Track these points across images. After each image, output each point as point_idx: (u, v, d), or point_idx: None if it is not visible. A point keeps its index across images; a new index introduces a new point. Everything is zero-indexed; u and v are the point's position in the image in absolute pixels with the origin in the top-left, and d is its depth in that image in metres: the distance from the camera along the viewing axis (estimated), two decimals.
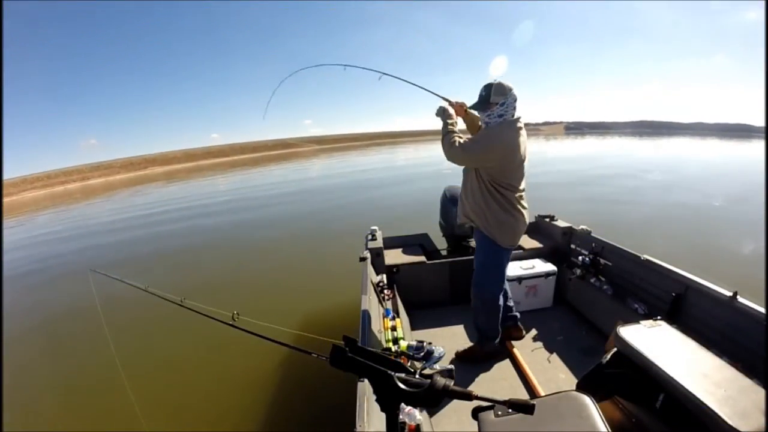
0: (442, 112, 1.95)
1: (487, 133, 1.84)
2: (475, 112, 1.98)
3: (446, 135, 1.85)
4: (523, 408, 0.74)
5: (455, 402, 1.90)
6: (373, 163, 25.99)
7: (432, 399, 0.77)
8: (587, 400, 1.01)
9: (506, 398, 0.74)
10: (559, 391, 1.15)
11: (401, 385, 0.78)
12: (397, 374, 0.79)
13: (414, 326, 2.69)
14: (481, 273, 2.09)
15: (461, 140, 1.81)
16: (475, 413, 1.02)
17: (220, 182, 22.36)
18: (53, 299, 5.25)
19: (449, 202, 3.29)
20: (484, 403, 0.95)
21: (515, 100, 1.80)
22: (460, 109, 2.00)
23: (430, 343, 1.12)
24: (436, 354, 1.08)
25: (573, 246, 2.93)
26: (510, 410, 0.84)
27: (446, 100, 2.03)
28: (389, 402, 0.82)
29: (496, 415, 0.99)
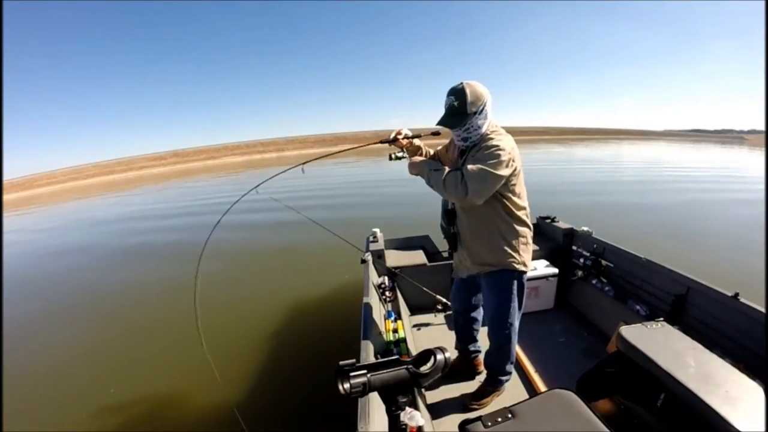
0: (416, 167, 1.60)
1: (490, 152, 1.42)
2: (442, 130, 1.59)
3: (441, 176, 1.46)
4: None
5: (457, 404, 1.92)
6: None
7: (444, 369, 0.87)
8: (572, 396, 1.00)
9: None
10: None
11: (418, 370, 0.84)
12: (408, 367, 0.85)
13: (416, 328, 2.70)
14: (508, 319, 1.71)
15: (453, 178, 1.43)
16: (462, 426, 1.00)
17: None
18: None
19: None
20: (471, 416, 1.00)
21: (491, 103, 1.46)
22: (406, 142, 1.73)
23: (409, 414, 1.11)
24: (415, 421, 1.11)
25: (574, 247, 2.93)
26: (499, 419, 0.90)
27: (387, 142, 1.74)
28: (395, 398, 0.86)
29: (486, 426, 0.96)
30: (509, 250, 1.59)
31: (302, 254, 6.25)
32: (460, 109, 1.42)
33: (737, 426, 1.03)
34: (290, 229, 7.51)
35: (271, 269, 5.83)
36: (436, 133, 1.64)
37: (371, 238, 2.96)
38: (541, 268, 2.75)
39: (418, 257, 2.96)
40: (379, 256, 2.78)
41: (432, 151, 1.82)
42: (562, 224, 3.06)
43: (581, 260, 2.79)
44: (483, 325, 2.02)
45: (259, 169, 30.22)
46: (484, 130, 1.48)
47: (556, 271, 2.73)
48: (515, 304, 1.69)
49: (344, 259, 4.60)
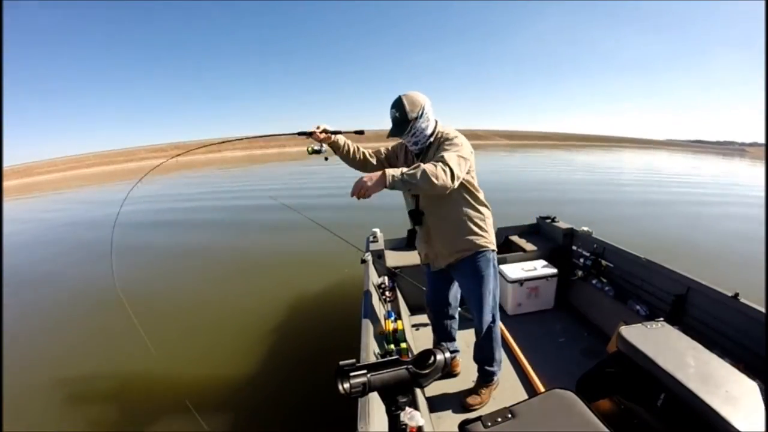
0: (379, 182, 1.32)
1: (452, 141, 1.52)
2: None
3: (423, 171, 1.32)
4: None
5: (457, 404, 1.92)
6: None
7: (444, 369, 0.87)
8: (572, 396, 1.00)
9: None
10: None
11: (418, 370, 0.84)
12: (408, 367, 0.85)
13: (416, 328, 2.70)
14: (491, 301, 1.80)
15: (432, 167, 1.35)
16: (462, 426, 0.99)
17: None
18: None
19: None
20: (471, 416, 1.00)
21: (430, 106, 1.57)
22: (324, 136, 1.65)
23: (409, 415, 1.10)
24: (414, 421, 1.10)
25: (574, 247, 2.93)
26: (499, 419, 0.89)
27: (304, 134, 1.66)
28: (395, 398, 0.86)
29: (485, 426, 0.96)
30: (480, 232, 1.71)
31: (302, 254, 6.24)
32: (402, 118, 1.55)
33: (737, 426, 1.03)
34: (290, 229, 7.50)
35: (270, 269, 5.82)
36: (359, 132, 1.71)
37: (371, 238, 2.96)
38: (541, 268, 2.75)
39: (418, 257, 2.96)
40: (379, 256, 2.78)
41: (365, 150, 1.77)
42: (562, 224, 3.06)
43: (581, 260, 2.79)
44: (461, 329, 2.11)
45: (260, 164, 30.36)
46: (430, 131, 1.60)
47: (556, 271, 2.73)
48: (494, 283, 1.80)
49: (344, 259, 4.61)
